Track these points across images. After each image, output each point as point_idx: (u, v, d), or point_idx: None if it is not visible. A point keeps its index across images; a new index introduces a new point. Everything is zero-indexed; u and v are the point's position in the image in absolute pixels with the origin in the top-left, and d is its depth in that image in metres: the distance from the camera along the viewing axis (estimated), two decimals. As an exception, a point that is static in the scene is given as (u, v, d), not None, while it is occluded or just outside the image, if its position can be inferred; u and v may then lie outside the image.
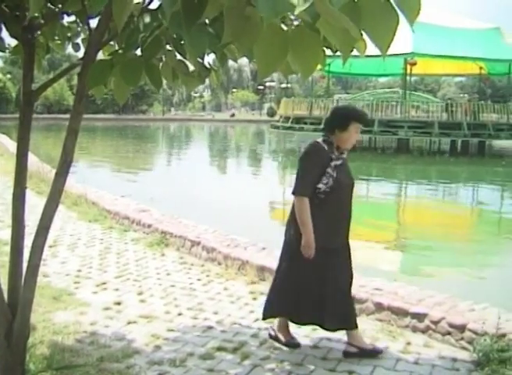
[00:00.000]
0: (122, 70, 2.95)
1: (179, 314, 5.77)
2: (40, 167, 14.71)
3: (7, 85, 74.08)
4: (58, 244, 8.40)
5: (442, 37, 31.87)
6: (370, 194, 18.95)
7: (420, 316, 5.35)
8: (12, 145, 21.47)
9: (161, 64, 3.37)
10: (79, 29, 4.28)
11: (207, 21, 2.64)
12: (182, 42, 3.03)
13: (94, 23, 3.35)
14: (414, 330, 5.34)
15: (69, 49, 4.44)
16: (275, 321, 5.12)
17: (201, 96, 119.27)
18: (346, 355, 4.83)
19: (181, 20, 2.16)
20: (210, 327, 5.44)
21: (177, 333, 5.27)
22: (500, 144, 39.12)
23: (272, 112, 78.30)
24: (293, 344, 5.00)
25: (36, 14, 3.52)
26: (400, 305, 5.51)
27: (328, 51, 3.02)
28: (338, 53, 3.45)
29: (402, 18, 2.05)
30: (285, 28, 2.23)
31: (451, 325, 5.15)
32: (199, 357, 4.76)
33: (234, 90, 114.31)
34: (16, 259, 3.77)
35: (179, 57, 3.28)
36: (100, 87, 3.43)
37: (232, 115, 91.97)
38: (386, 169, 25.92)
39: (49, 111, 73.03)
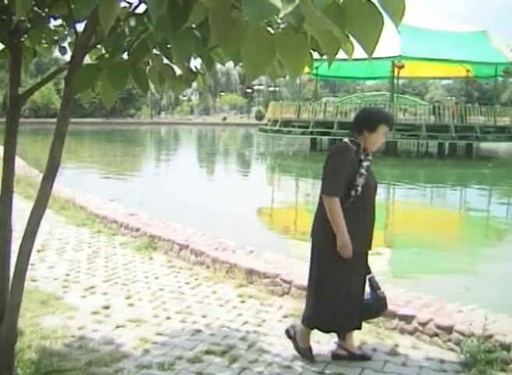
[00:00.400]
0: (108, 74, 2.96)
1: (168, 318, 5.76)
2: (27, 171, 14.66)
3: (-6, 89, 73.86)
4: (46, 248, 8.37)
5: (429, 40, 32.00)
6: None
7: (408, 318, 5.37)
8: (-1, 150, 21.34)
9: (148, 68, 3.38)
10: (66, 32, 4.28)
11: (193, 25, 2.65)
12: (168, 46, 3.03)
13: (80, 26, 3.36)
14: (402, 331, 5.36)
15: (57, 53, 4.44)
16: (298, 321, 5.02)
17: (189, 100, 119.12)
18: (335, 357, 4.84)
19: (167, 24, 2.17)
20: (198, 331, 5.43)
21: (166, 337, 5.27)
22: (487, 146, 39.35)
23: (260, 116, 78.36)
24: (309, 356, 4.84)
25: (22, 18, 3.52)
26: (387, 307, 5.53)
27: (315, 55, 3.04)
28: (325, 56, 3.48)
29: (387, 19, 2.07)
30: (271, 31, 2.25)
31: (439, 326, 5.17)
32: (187, 360, 4.76)
33: (222, 93, 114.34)
34: (3, 264, 3.76)
35: (165, 61, 3.28)
36: (87, 90, 3.43)
37: (224, 118, 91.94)
38: (374, 172, 25.86)
39: (36, 115, 72.74)
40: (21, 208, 6.38)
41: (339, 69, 42.75)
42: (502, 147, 41.10)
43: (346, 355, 4.83)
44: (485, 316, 5.02)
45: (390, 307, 5.43)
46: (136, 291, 6.57)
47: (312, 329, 4.84)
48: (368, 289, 4.85)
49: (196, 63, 3.51)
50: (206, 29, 2.43)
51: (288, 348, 5.05)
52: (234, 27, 2.25)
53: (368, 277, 4.82)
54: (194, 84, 3.83)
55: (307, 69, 3.87)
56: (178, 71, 3.46)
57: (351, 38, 2.24)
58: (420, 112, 34.63)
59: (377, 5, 1.97)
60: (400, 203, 18.92)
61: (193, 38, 2.51)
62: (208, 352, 4.93)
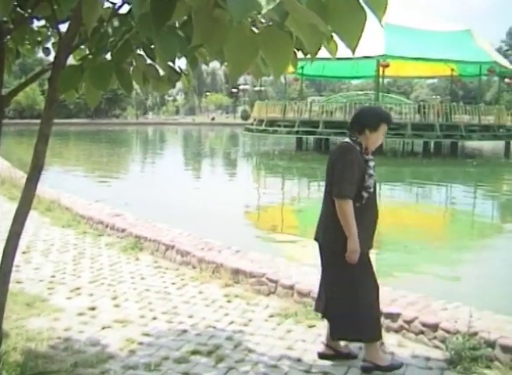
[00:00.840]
0: (91, 75, 2.95)
1: (154, 318, 5.75)
2: (12, 173, 14.61)
3: (-23, 91, 73.10)
4: (32, 250, 8.34)
5: (414, 40, 32.16)
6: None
7: (393, 316, 5.39)
8: (-17, 151, 21.24)
9: (131, 68, 3.37)
10: (49, 33, 4.26)
11: (177, 25, 2.65)
12: (152, 46, 3.03)
13: (64, 27, 3.35)
14: (388, 329, 5.38)
15: (41, 53, 4.43)
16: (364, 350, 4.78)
17: (175, 100, 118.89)
18: (322, 356, 4.85)
19: (150, 22, 2.17)
20: (185, 331, 5.43)
21: (152, 338, 5.26)
22: (472, 144, 39.56)
23: (245, 115, 78.35)
24: (398, 365, 4.68)
25: (5, 19, 3.50)
26: (373, 305, 5.54)
27: (300, 54, 3.05)
28: (309, 56, 3.49)
29: (372, 18, 2.07)
30: (256, 30, 2.25)
31: (424, 324, 5.20)
32: (174, 361, 4.76)
33: (208, 93, 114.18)
34: (-12, 266, 3.74)
35: (149, 61, 3.28)
36: (71, 91, 3.42)
37: (213, 118, 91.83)
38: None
39: (21, 116, 72.30)
40: (5, 210, 6.34)
41: (325, 69, 42.98)
42: (486, 145, 41.36)
43: (332, 354, 4.84)
44: (469, 313, 5.05)
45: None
46: (122, 292, 6.55)
47: (374, 341, 4.67)
48: None
49: (180, 63, 3.51)
50: (190, 28, 2.43)
51: (274, 348, 5.06)
52: (217, 26, 2.25)
53: None
54: (180, 84, 3.82)
55: (291, 69, 3.89)
56: (162, 71, 3.47)
57: (335, 37, 2.25)
58: (405, 111, 34.71)
59: (360, 0, 1.97)
60: (385, 201, 18.95)
61: (177, 37, 2.51)
62: (194, 352, 4.93)
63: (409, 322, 5.28)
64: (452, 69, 40.82)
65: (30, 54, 4.34)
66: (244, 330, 5.46)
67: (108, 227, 9.40)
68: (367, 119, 4.68)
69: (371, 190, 4.59)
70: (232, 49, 2.19)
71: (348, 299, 4.60)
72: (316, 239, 4.79)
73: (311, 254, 9.87)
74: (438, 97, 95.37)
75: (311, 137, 36.02)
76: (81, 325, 5.53)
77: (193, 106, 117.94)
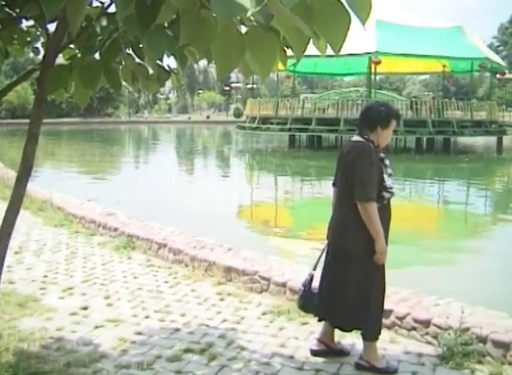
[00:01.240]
0: (80, 74, 2.95)
1: (147, 317, 5.75)
2: (4, 173, 14.54)
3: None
4: (24, 250, 8.32)
5: (405, 36, 32.17)
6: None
7: (385, 313, 5.37)
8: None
9: (121, 67, 3.37)
10: (38, 33, 4.25)
11: (166, 24, 2.65)
12: (141, 45, 3.03)
13: (52, 27, 3.34)
14: (380, 326, 5.38)
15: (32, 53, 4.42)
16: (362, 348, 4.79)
17: (167, 98, 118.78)
18: (314, 352, 4.86)
19: (135, 24, 2.17)
20: (177, 329, 5.43)
21: (144, 336, 5.26)
22: (465, 140, 39.66)
23: (238, 113, 78.28)
24: (393, 369, 4.66)
25: (-7, 19, 3.50)
26: (365, 302, 5.55)
27: (290, 52, 3.05)
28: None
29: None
30: (243, 29, 2.26)
31: (416, 320, 5.22)
32: (166, 359, 4.76)
33: (200, 91, 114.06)
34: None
35: (138, 60, 3.27)
36: (61, 91, 3.42)
37: (208, 117, 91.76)
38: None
39: (13, 116, 71.90)
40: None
41: (317, 66, 42.99)
42: (479, 141, 41.47)
43: (325, 351, 4.84)
44: (461, 309, 5.06)
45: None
46: (114, 291, 6.55)
47: (374, 340, 4.69)
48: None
49: (170, 62, 3.51)
50: (178, 27, 2.43)
51: (267, 345, 5.07)
52: (204, 26, 2.26)
53: None
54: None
55: (282, 66, 3.89)
56: (151, 70, 3.47)
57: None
58: (397, 108, 34.72)
59: (344, 3, 1.98)
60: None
61: (165, 37, 2.51)
62: (186, 351, 4.94)
63: (401, 318, 5.30)
64: (444, 66, 40.91)
65: (20, 54, 4.33)
66: (237, 328, 5.47)
67: (100, 226, 9.39)
68: (378, 116, 4.59)
69: (393, 190, 4.55)
70: (220, 49, 2.20)
71: (361, 299, 4.55)
72: (330, 241, 4.73)
73: (303, 251, 9.93)
74: (430, 93, 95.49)
75: (304, 135, 36.01)
76: (74, 325, 5.53)
77: (186, 104, 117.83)
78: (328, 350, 4.85)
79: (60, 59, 3.51)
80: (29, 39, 4.28)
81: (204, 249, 7.54)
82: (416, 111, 33.99)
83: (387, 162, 4.58)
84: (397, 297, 5.67)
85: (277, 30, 2.27)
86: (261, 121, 36.67)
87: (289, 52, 3.30)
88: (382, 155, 4.57)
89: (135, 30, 2.19)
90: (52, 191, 12.16)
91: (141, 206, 13.34)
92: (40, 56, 4.04)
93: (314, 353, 4.86)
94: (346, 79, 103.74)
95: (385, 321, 5.36)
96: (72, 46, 3.60)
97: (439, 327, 5.03)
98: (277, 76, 42.80)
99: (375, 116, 4.59)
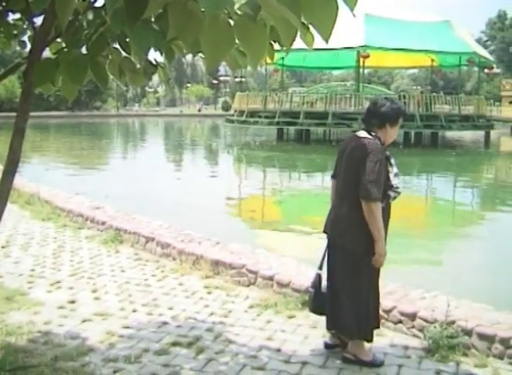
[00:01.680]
0: (67, 68, 2.94)
1: (134, 310, 5.76)
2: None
3: (-45, 83, 72.15)
4: (11, 244, 8.29)
5: (393, 30, 32.23)
6: (326, 185, 19.06)
7: (372, 306, 5.43)
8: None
9: (107, 61, 3.36)
10: (25, 26, 4.23)
11: (153, 19, 2.65)
12: (127, 39, 3.02)
13: (39, 20, 3.33)
14: (367, 319, 5.41)
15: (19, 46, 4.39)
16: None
17: (156, 91, 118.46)
18: (327, 345, 4.84)
19: (124, 17, 2.17)
20: (165, 323, 5.45)
21: (132, 330, 5.27)
22: (453, 134, 39.78)
23: (226, 107, 78.21)
24: (379, 362, 4.66)
25: (-21, 12, 3.48)
26: (352, 295, 5.58)
27: (277, 46, 3.07)
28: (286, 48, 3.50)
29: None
30: (231, 21, 2.27)
31: (402, 313, 5.26)
32: (154, 353, 4.78)
33: (188, 84, 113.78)
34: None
35: (125, 54, 3.27)
36: (48, 84, 3.41)
37: (199, 110, 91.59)
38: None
39: (1, 109, 71.49)
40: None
41: (305, 59, 42.99)
42: (467, 135, 41.63)
43: (339, 344, 4.78)
44: (447, 302, 5.10)
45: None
46: (102, 285, 6.55)
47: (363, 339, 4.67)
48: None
49: (157, 56, 3.51)
50: (164, 22, 2.44)
51: (254, 338, 5.09)
52: (191, 19, 2.26)
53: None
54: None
55: (270, 60, 3.89)
56: (139, 64, 3.46)
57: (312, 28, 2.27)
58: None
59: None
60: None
61: (152, 31, 2.51)
62: (174, 344, 4.95)
63: (388, 311, 5.33)
64: (432, 60, 41.00)
65: (6, 47, 4.30)
66: (224, 322, 5.49)
67: (88, 220, 9.37)
68: (388, 112, 4.50)
69: (399, 190, 4.48)
70: (208, 40, 2.21)
71: (358, 300, 4.53)
72: (329, 236, 4.67)
73: (290, 244, 9.96)
74: (418, 87, 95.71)
75: (292, 128, 36.02)
76: (61, 318, 5.53)
77: (174, 98, 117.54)
78: (341, 342, 4.78)
79: (48, 53, 3.51)
80: (15, 32, 4.26)
81: (191, 243, 7.55)
82: (404, 105, 33.92)
83: (393, 160, 4.50)
84: (384, 290, 5.67)
85: (265, 20, 2.29)
86: (249, 115, 36.67)
87: (277, 46, 3.32)
88: (387, 153, 4.48)
89: (123, 24, 2.19)
90: (40, 185, 12.11)
91: (130, 200, 13.33)
92: (28, 50, 4.03)
93: (328, 346, 4.84)
94: (335, 73, 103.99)
95: (371, 314, 5.41)
96: (59, 40, 3.60)
97: (425, 320, 5.07)
98: (265, 69, 42.72)
99: (385, 113, 4.50)
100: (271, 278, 6.24)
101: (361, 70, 36.68)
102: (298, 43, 2.46)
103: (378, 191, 4.30)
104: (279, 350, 4.87)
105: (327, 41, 2.12)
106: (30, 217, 10.14)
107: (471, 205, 16.95)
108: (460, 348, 4.77)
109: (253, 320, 5.53)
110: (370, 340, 4.66)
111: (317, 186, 18.90)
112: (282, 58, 39.56)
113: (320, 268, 4.84)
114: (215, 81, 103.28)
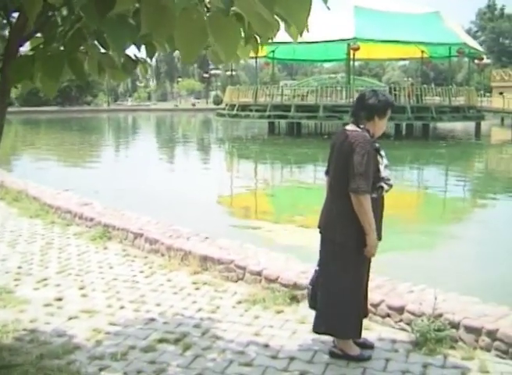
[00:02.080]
0: (43, 65, 2.91)
1: (122, 307, 5.73)
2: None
3: None
4: (-2, 241, 8.26)
5: (383, 22, 32.19)
6: (318, 178, 19.06)
7: (360, 300, 5.41)
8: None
9: (86, 57, 3.33)
10: (4, 22, 4.19)
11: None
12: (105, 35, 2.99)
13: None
14: (355, 313, 5.40)
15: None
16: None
17: (146, 86, 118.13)
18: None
19: (93, 12, 2.14)
20: (152, 319, 5.42)
21: (119, 327, 5.24)
22: (445, 126, 39.84)
23: (218, 100, 78.01)
24: (367, 357, 4.62)
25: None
26: (340, 289, 5.56)
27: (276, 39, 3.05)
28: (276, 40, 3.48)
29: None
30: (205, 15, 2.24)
31: (390, 307, 5.24)
32: (140, 350, 4.75)
33: (179, 79, 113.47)
34: None
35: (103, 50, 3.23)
36: (26, 81, 3.37)
37: (194, 104, 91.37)
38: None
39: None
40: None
41: (295, 52, 42.90)
42: (458, 126, 41.69)
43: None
44: (434, 295, 5.09)
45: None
46: (89, 282, 6.51)
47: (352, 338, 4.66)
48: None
49: (137, 51, 3.47)
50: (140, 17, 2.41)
51: (241, 334, 5.07)
52: (165, 14, 2.23)
53: None
54: (151, 70, 3.78)
55: (254, 53, 3.87)
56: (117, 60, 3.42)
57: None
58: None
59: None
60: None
61: (128, 27, 2.48)
62: (161, 341, 4.92)
63: (375, 305, 5.31)
64: (422, 51, 40.98)
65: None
66: (212, 317, 5.46)
67: (76, 217, 9.32)
68: (376, 105, 4.46)
69: (391, 182, 4.47)
70: (182, 35, 2.19)
71: (342, 295, 4.49)
72: (321, 231, 4.64)
73: (280, 239, 9.94)
74: (410, 79, 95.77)
75: (283, 121, 35.96)
76: (47, 316, 5.49)
77: (165, 92, 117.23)
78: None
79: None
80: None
81: (179, 238, 7.51)
82: (395, 97, 34.05)
83: (383, 152, 4.47)
84: (372, 284, 5.65)
85: (237, 13, 2.27)
86: (240, 108, 36.58)
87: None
88: (377, 145, 4.45)
89: (93, 18, 2.16)
90: (28, 182, 12.05)
91: (120, 195, 13.33)
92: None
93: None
94: (326, 65, 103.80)
95: (359, 308, 5.40)
96: (38, 36, 3.56)
97: (413, 314, 5.05)
98: (256, 62, 42.62)
99: (373, 105, 4.46)
100: (259, 273, 6.21)
101: (352, 63, 36.60)
102: (286, 36, 2.44)
103: (366, 183, 4.27)
104: (266, 345, 4.84)
105: (301, 34, 2.11)
106: (18, 214, 10.08)
107: (459, 197, 16.94)
108: (448, 341, 4.75)
109: (241, 316, 5.50)
110: (358, 337, 4.66)
111: (308, 179, 18.90)
112: (273, 51, 39.53)
113: (319, 265, 4.80)
114: (206, 75, 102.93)
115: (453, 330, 4.79)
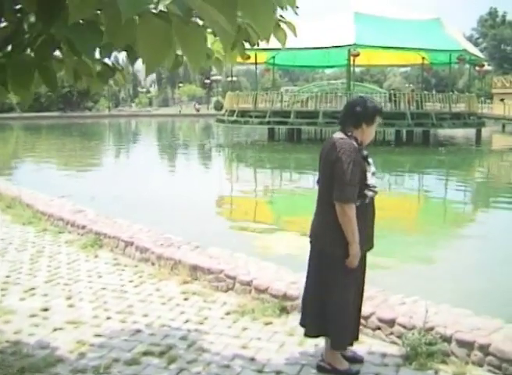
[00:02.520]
0: (13, 73, 2.80)
1: (108, 318, 5.63)
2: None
3: None
4: (-12, 249, 8.16)
5: (383, 28, 32.12)
6: (315, 184, 18.95)
7: (350, 312, 5.30)
8: None
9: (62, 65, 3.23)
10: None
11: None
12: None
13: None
14: (345, 326, 5.29)
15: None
16: (324, 349, 4.65)
17: (148, 91, 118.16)
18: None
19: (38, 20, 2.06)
20: (138, 331, 5.32)
21: (104, 339, 5.14)
22: (446, 132, 39.73)
23: (219, 106, 77.95)
24: (354, 372, 4.56)
25: None
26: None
27: (274, 44, 2.99)
28: (263, 46, 3.39)
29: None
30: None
31: (381, 320, 5.13)
32: (124, 363, 4.65)
33: (181, 84, 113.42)
34: None
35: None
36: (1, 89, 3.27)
37: (198, 109, 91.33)
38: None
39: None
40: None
41: (296, 58, 42.88)
42: (459, 133, 41.56)
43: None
44: (426, 308, 4.98)
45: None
46: (77, 291, 6.41)
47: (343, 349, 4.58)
48: None
49: (116, 58, 3.38)
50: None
51: (228, 346, 4.97)
52: (125, 22, 2.15)
53: None
54: (153, 75, 3.69)
55: (241, 59, 3.78)
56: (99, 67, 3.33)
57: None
58: (376, 100, 34.70)
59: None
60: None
61: (97, 32, 2.38)
62: (146, 353, 4.82)
63: (366, 318, 5.20)
64: (423, 58, 40.91)
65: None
66: (199, 329, 5.36)
67: (68, 224, 9.22)
68: (363, 112, 4.39)
69: (376, 189, 4.38)
70: (144, 44, 2.10)
71: (339, 309, 4.40)
72: (311, 241, 4.57)
73: (272, 247, 9.84)
74: (411, 85, 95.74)
75: (283, 127, 35.85)
76: (32, 327, 5.39)
77: (167, 97, 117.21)
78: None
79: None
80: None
81: (170, 247, 7.40)
82: (395, 103, 33.99)
83: (370, 160, 4.40)
84: (364, 295, 5.57)
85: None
86: (240, 114, 36.47)
87: (263, 45, 3.21)
88: (365, 152, 4.38)
89: (48, 25, 2.07)
90: (22, 188, 11.96)
91: (116, 202, 13.25)
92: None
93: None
94: (328, 71, 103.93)
95: (350, 320, 5.29)
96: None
97: (404, 327, 4.95)
98: (256, 68, 42.52)
99: (361, 113, 4.38)
100: (249, 283, 6.11)
101: (352, 69, 36.51)
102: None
103: (351, 192, 4.19)
104: (253, 359, 4.73)
105: (268, 41, 2.04)
106: (11, 221, 9.99)
107: (457, 206, 16.79)
108: (439, 356, 4.64)
109: (229, 328, 5.39)
110: (344, 349, 4.55)
111: (306, 186, 18.76)
112: (273, 57, 39.51)
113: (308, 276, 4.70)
114: (207, 81, 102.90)
115: (445, 344, 4.68)
